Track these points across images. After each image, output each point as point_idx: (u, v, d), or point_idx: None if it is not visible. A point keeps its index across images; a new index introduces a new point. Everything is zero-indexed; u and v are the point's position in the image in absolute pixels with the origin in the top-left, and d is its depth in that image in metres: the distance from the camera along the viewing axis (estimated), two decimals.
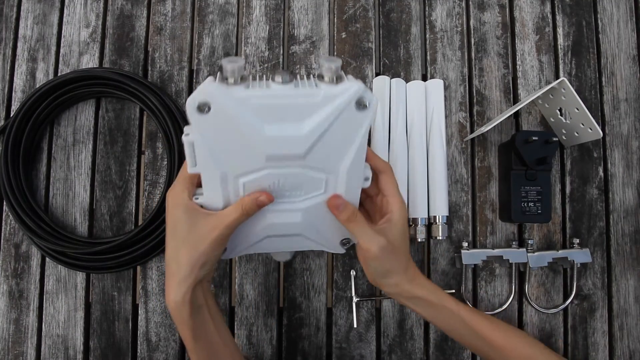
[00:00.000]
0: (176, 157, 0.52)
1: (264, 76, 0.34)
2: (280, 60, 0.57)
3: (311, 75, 0.35)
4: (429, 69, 0.58)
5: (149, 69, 0.57)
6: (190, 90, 0.57)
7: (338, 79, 0.33)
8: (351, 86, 0.32)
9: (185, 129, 0.34)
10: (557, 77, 0.58)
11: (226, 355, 0.41)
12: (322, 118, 0.33)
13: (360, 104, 0.33)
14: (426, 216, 0.53)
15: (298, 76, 0.35)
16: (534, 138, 0.50)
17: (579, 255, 0.52)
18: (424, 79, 0.58)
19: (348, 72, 0.57)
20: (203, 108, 0.31)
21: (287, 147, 0.34)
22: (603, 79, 0.58)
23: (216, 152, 0.34)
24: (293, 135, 0.33)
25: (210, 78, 0.32)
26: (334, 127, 0.34)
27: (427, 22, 0.58)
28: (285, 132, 0.33)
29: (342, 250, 0.44)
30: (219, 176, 0.35)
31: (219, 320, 0.40)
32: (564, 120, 0.54)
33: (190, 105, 0.31)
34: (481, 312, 0.44)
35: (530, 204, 0.52)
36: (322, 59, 0.33)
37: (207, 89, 0.31)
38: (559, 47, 0.58)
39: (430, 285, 0.43)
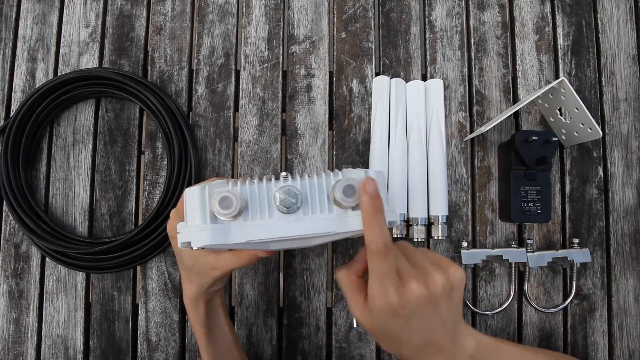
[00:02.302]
0: (176, 157, 0.52)
1: (263, 180, 0.31)
2: (280, 60, 0.57)
3: (322, 182, 0.31)
4: (428, 68, 0.57)
5: (149, 69, 0.57)
6: (190, 90, 0.57)
7: (356, 207, 0.30)
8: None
9: (179, 227, 0.33)
10: (556, 76, 0.58)
11: (235, 357, 0.45)
12: (335, 239, 0.32)
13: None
14: (426, 216, 0.53)
15: (306, 182, 0.30)
16: (533, 138, 0.50)
17: (578, 255, 0.53)
18: (424, 78, 0.58)
19: (348, 72, 0.57)
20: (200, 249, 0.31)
21: (295, 244, 0.33)
22: (603, 79, 0.58)
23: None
24: (299, 246, 0.32)
25: (198, 205, 0.30)
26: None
27: (427, 22, 0.58)
28: (291, 246, 0.32)
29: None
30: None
31: (232, 326, 0.45)
32: (563, 120, 0.54)
33: (184, 245, 0.31)
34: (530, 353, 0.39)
35: (530, 204, 0.52)
36: (338, 187, 0.29)
37: (202, 238, 0.29)
38: (559, 46, 0.58)
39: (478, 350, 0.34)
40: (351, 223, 0.30)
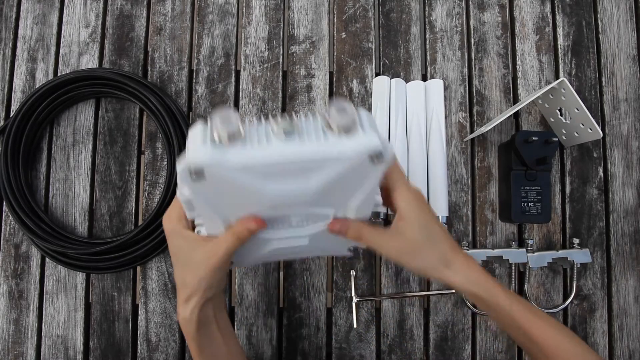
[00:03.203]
0: (176, 157, 0.52)
1: (262, 120, 0.31)
2: (280, 60, 0.57)
3: (317, 117, 0.31)
4: (429, 69, 0.57)
5: (149, 69, 0.57)
6: (190, 91, 0.57)
7: (349, 130, 0.29)
8: (365, 142, 0.29)
9: (179, 184, 0.32)
10: (557, 77, 0.58)
11: None
12: (330, 175, 0.31)
13: (375, 158, 0.30)
14: None
15: (302, 119, 0.31)
16: (534, 138, 0.50)
17: (578, 255, 0.52)
18: (424, 79, 0.58)
19: (349, 73, 0.57)
20: (197, 174, 0.29)
21: (292, 198, 0.32)
22: (603, 79, 0.58)
23: (216, 206, 0.33)
24: (298, 190, 0.31)
25: (199, 133, 0.29)
26: (347, 177, 0.31)
27: (427, 22, 0.58)
28: (289, 187, 0.31)
29: (349, 254, 0.42)
30: (221, 220, 0.35)
31: (229, 334, 0.41)
32: (564, 120, 0.54)
33: (182, 171, 0.29)
34: (532, 308, 0.39)
35: (530, 204, 0.52)
36: (333, 108, 0.29)
37: (199, 156, 0.28)
38: (559, 47, 0.58)
39: (480, 278, 0.38)
40: (345, 148, 0.29)
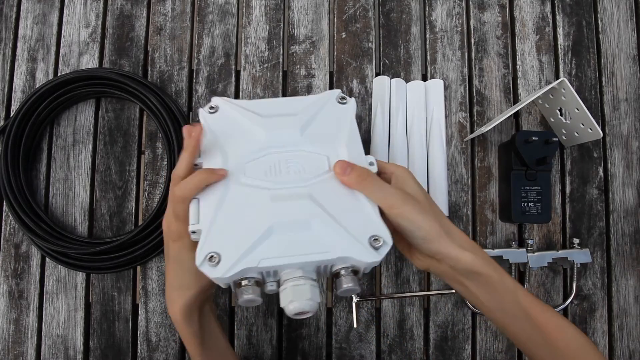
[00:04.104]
0: (176, 157, 0.52)
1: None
2: (280, 60, 0.57)
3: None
4: (429, 69, 0.57)
5: (149, 69, 0.57)
6: (190, 91, 0.57)
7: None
8: (331, 92, 0.44)
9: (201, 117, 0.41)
10: (557, 77, 0.58)
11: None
12: (312, 109, 0.42)
13: (340, 99, 0.43)
14: None
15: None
16: (534, 138, 0.50)
17: (578, 255, 0.52)
18: (424, 79, 0.58)
19: (349, 73, 0.57)
20: (212, 109, 0.41)
21: (284, 125, 0.40)
22: (603, 79, 0.58)
23: (220, 141, 0.39)
24: (288, 117, 0.41)
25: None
26: (323, 113, 0.42)
27: (427, 22, 0.58)
28: (280, 114, 0.41)
29: (375, 257, 0.33)
30: (220, 156, 0.38)
31: (220, 331, 0.42)
32: (564, 120, 0.54)
33: (203, 109, 0.41)
34: (532, 295, 0.38)
35: (530, 204, 0.52)
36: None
37: (214, 100, 0.42)
38: (559, 47, 0.58)
39: (485, 255, 0.37)
40: (317, 97, 0.44)
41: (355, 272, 0.34)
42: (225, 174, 0.36)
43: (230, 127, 0.40)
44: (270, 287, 0.35)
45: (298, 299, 0.32)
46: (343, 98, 0.43)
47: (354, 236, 0.34)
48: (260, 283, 0.33)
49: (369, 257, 0.33)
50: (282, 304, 0.33)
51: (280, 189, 0.36)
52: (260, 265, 0.33)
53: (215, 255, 0.33)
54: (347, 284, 0.33)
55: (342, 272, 0.34)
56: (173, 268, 0.38)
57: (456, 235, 0.36)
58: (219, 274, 0.32)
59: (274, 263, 0.33)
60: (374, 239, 0.34)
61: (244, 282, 0.33)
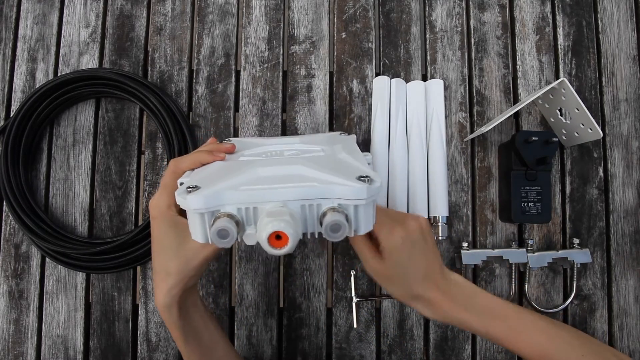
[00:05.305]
0: (176, 157, 0.52)
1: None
2: (280, 60, 0.57)
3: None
4: (429, 69, 0.57)
5: (149, 69, 0.57)
6: (190, 91, 0.57)
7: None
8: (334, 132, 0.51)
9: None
10: (557, 77, 0.58)
11: (219, 355, 0.42)
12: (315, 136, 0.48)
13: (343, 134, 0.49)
14: (426, 216, 0.53)
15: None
16: (534, 138, 0.50)
17: (578, 255, 0.52)
18: (424, 79, 0.58)
19: (349, 73, 0.57)
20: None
21: (286, 141, 0.45)
22: (603, 79, 0.58)
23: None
24: (291, 138, 0.47)
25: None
26: (324, 135, 0.47)
27: (427, 22, 0.58)
28: (284, 142, 0.45)
29: (362, 189, 0.31)
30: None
31: (209, 320, 0.41)
32: (564, 121, 0.54)
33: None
34: (513, 323, 0.39)
35: (530, 204, 0.52)
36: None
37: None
38: (559, 47, 0.58)
39: (472, 305, 0.39)
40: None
41: (344, 214, 0.31)
42: (224, 157, 0.39)
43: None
44: (250, 231, 0.32)
45: (276, 217, 0.29)
46: (344, 133, 0.49)
47: (341, 175, 0.33)
48: (238, 223, 0.31)
49: (355, 190, 0.31)
50: (258, 235, 0.29)
51: (273, 158, 0.39)
52: (239, 191, 0.31)
53: (194, 187, 0.32)
54: (332, 217, 0.30)
55: (329, 211, 0.31)
56: (155, 250, 0.37)
57: (423, 301, 0.39)
58: (194, 201, 0.30)
59: (254, 193, 0.31)
60: (361, 177, 0.32)
61: (220, 215, 0.30)
